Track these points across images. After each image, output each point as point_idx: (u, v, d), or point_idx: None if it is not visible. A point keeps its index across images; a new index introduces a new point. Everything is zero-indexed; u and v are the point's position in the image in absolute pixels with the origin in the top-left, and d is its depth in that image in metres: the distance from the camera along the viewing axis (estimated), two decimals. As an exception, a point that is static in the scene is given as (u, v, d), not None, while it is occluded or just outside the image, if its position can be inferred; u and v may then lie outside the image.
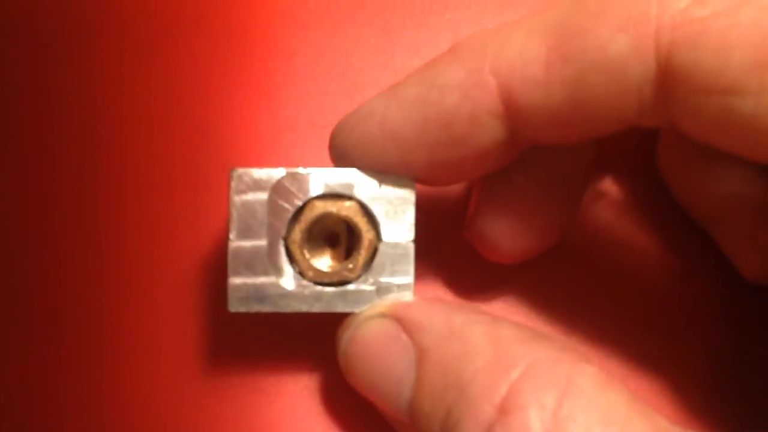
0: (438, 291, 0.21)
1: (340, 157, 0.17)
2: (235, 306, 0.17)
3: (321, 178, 0.17)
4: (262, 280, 0.17)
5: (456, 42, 0.16)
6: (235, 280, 0.17)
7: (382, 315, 0.16)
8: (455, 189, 0.21)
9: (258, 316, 0.17)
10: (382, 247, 0.17)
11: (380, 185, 0.17)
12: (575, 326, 0.20)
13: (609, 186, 0.21)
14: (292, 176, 0.17)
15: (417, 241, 0.17)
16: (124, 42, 0.23)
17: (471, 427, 0.14)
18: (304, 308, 0.17)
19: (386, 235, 0.17)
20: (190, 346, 0.21)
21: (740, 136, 0.13)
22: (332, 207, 0.17)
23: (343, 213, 0.17)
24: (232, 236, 0.17)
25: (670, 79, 0.14)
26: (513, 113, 0.15)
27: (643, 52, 0.14)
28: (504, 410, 0.13)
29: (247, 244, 0.17)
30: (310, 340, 0.20)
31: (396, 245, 0.17)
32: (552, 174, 0.18)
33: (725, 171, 0.17)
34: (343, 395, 0.20)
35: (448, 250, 0.21)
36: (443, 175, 0.17)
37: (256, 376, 0.21)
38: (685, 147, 0.18)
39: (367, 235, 0.17)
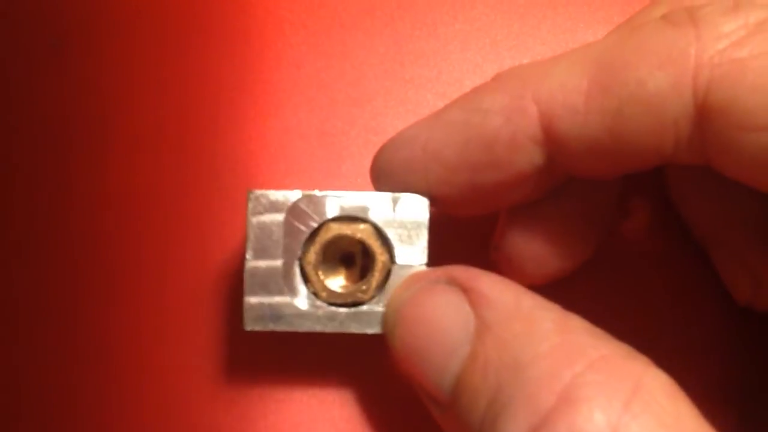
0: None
1: (383, 177, 0.18)
2: (250, 325, 0.17)
3: (336, 200, 0.17)
4: (277, 299, 0.17)
5: (499, 71, 0.17)
6: (251, 299, 0.17)
7: (449, 281, 0.16)
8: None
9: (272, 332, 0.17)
10: (395, 270, 0.17)
11: (395, 209, 0.17)
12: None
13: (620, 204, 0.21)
14: (308, 198, 0.17)
15: (434, 263, 0.17)
16: (131, 52, 0.23)
17: (525, 410, 0.13)
18: (318, 328, 0.17)
19: (400, 257, 0.17)
20: (202, 360, 0.21)
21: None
22: (347, 229, 0.17)
23: (358, 235, 0.17)
24: (248, 256, 0.17)
25: (707, 116, 0.14)
26: (552, 140, 0.16)
27: (681, 89, 0.14)
28: (566, 400, 0.13)
29: (263, 264, 0.17)
30: (323, 354, 0.21)
31: (409, 268, 0.17)
32: (580, 203, 0.18)
33: (729, 199, 0.18)
34: (356, 407, 0.20)
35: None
36: (482, 200, 0.17)
37: (268, 389, 0.21)
38: (692, 169, 0.18)
39: (380, 257, 0.17)
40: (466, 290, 0.15)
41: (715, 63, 0.14)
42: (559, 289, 0.20)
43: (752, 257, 0.18)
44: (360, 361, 0.21)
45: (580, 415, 0.12)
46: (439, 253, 0.18)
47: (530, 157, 0.16)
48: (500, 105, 0.16)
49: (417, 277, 0.17)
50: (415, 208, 0.17)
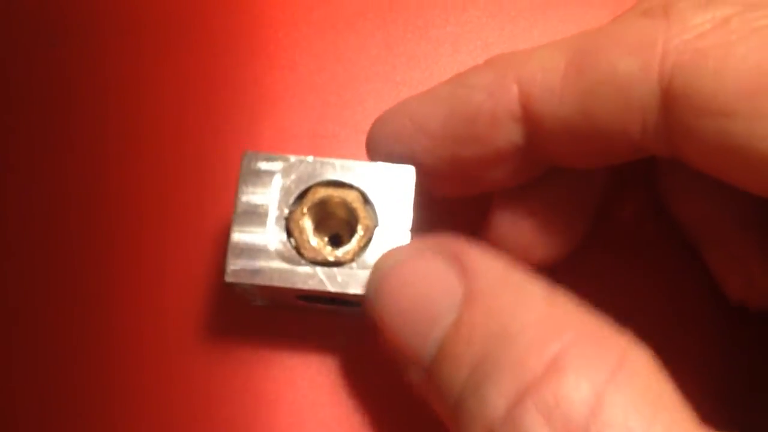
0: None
1: (374, 148, 0.19)
2: (231, 277, 0.17)
3: (327, 166, 0.18)
4: (259, 254, 0.17)
5: (491, 56, 0.18)
6: (234, 253, 0.17)
7: (437, 250, 0.16)
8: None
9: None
10: (378, 234, 0.17)
11: (382, 176, 0.18)
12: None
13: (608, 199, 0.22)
14: (300, 162, 0.18)
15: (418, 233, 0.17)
16: (127, 53, 0.24)
17: (511, 376, 0.13)
18: (298, 285, 0.17)
19: (384, 222, 0.17)
20: (188, 322, 0.21)
21: (733, 160, 0.14)
22: (334, 193, 0.18)
23: (344, 199, 0.18)
24: (236, 212, 0.17)
25: (671, 101, 0.14)
26: (530, 118, 0.16)
27: (648, 73, 0.15)
28: (552, 369, 0.13)
29: (250, 220, 0.17)
30: (306, 322, 0.21)
31: (393, 233, 0.17)
32: (566, 192, 0.19)
33: (719, 196, 0.18)
34: (337, 373, 0.21)
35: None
36: (465, 176, 0.18)
37: (251, 353, 0.21)
38: (681, 168, 0.18)
39: (364, 221, 0.17)
40: (454, 259, 0.16)
41: (680, 51, 0.14)
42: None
43: (744, 255, 0.18)
44: (341, 330, 0.21)
45: (566, 383, 0.13)
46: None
47: (509, 133, 0.17)
48: (484, 82, 0.17)
49: (405, 246, 0.17)
50: (402, 177, 0.18)
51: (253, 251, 0.17)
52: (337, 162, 0.18)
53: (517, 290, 0.15)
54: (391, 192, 0.18)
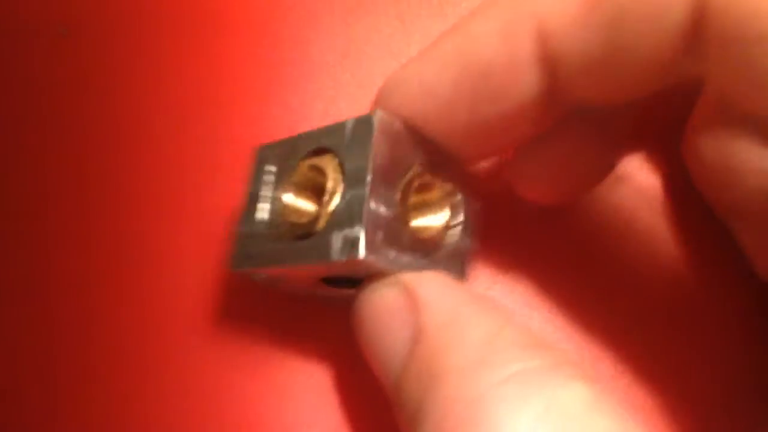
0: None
1: None
2: (236, 265, 0.17)
3: (309, 138, 0.17)
4: (258, 240, 0.17)
5: None
6: (238, 241, 0.18)
7: (397, 283, 0.16)
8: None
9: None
10: (347, 198, 0.16)
11: (349, 134, 0.16)
12: (585, 317, 0.20)
13: (634, 174, 0.21)
14: (289, 141, 0.18)
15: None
16: (134, 36, 0.23)
17: (435, 424, 0.13)
18: (298, 262, 0.16)
19: (350, 181, 0.16)
20: (192, 312, 0.21)
21: (762, 93, 0.12)
22: (313, 162, 0.17)
23: (320, 165, 0.17)
24: (244, 203, 0.18)
25: (704, 19, 0.13)
26: (551, 59, 0.14)
27: None
28: (473, 420, 0.12)
29: (252, 208, 0.18)
30: (313, 317, 0.20)
31: (354, 195, 0.16)
32: (593, 125, 0.17)
33: (748, 166, 0.17)
34: (337, 372, 0.20)
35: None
36: (486, 138, 0.16)
37: (267, 348, 0.20)
38: (709, 139, 0.17)
39: (331, 182, 0.16)
40: (408, 293, 0.15)
41: None
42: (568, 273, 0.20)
43: None
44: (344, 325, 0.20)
45: None
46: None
47: (529, 81, 0.15)
48: (495, 27, 0.15)
49: (373, 280, 0.16)
50: (364, 130, 0.16)
51: (252, 237, 0.17)
52: (318, 131, 0.17)
53: (460, 328, 0.14)
54: (355, 147, 0.16)
